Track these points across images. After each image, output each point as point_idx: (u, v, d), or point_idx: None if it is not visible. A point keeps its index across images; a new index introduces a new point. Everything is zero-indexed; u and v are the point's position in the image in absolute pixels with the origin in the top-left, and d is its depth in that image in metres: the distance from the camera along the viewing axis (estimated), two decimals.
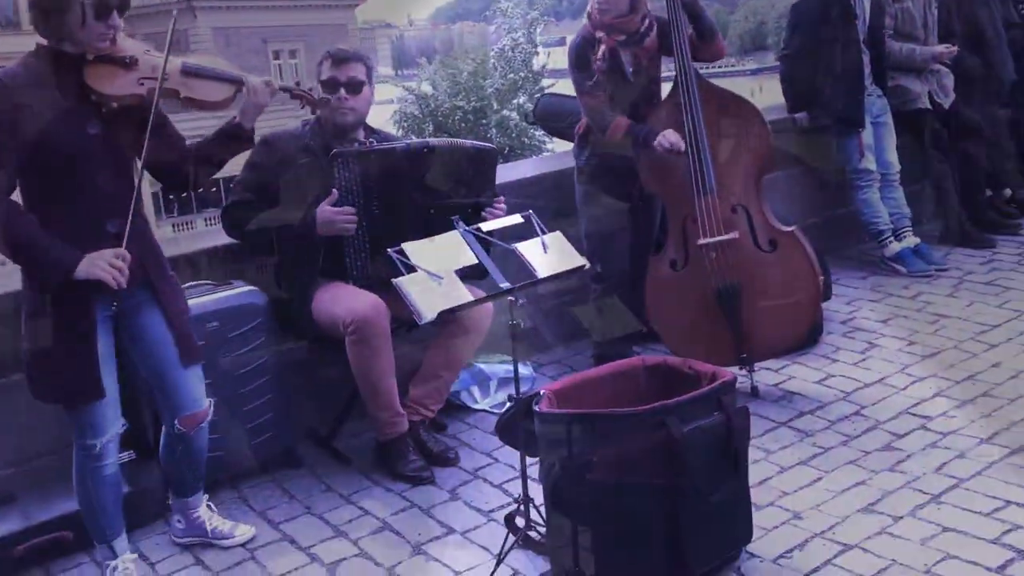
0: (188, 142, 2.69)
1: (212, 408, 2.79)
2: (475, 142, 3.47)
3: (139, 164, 2.52)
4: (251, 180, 3.24)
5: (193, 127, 4.87)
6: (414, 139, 3.46)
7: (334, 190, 3.11)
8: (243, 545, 2.90)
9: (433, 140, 3.31)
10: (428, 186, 3.20)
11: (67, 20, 2.33)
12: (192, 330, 2.73)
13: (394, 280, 2.38)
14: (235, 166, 3.08)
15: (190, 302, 3.10)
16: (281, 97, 2.72)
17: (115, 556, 2.68)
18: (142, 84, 2.42)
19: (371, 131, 3.41)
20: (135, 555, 2.76)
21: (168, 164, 2.62)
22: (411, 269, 2.40)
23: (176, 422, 2.70)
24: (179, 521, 2.92)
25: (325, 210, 3.11)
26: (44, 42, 2.42)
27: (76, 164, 2.39)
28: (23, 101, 2.31)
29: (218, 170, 2.75)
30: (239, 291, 3.20)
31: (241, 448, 3.18)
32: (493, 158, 3.40)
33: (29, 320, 2.47)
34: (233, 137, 2.66)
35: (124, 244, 2.41)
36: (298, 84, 2.80)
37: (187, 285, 3.19)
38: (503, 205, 3.27)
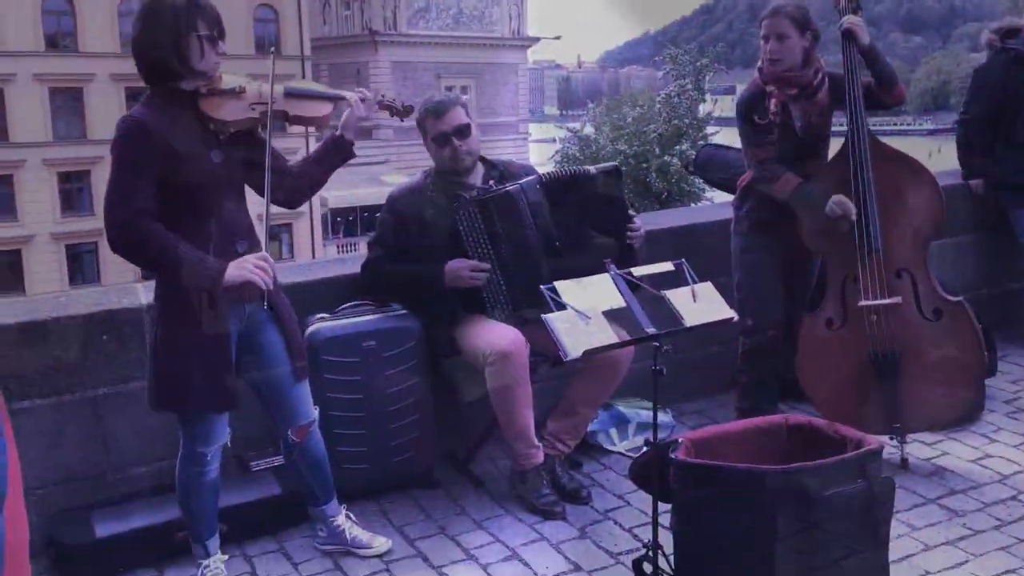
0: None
1: (318, 414, 2.92)
2: (589, 167, 3.44)
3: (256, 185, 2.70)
4: (383, 239, 3.41)
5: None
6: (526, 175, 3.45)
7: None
8: (380, 556, 3.03)
9: (546, 173, 3.36)
10: (555, 220, 3.28)
11: (189, 58, 2.52)
12: (302, 346, 2.86)
13: (544, 316, 2.46)
14: (380, 197, 3.24)
15: (351, 321, 3.30)
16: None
17: (208, 555, 2.86)
18: (253, 108, 2.64)
19: (490, 165, 3.47)
20: (226, 556, 2.91)
21: (274, 183, 2.70)
22: (560, 307, 2.47)
23: (289, 432, 2.86)
24: (321, 530, 3.07)
25: (453, 265, 3.25)
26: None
27: (204, 189, 2.59)
28: (158, 135, 2.49)
29: (319, 188, 2.93)
30: (396, 314, 3.35)
31: (384, 464, 3.32)
32: (616, 176, 3.41)
33: (164, 332, 2.63)
34: (337, 149, 2.84)
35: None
36: (384, 97, 2.95)
37: (348, 305, 3.38)
38: (638, 222, 3.34)
